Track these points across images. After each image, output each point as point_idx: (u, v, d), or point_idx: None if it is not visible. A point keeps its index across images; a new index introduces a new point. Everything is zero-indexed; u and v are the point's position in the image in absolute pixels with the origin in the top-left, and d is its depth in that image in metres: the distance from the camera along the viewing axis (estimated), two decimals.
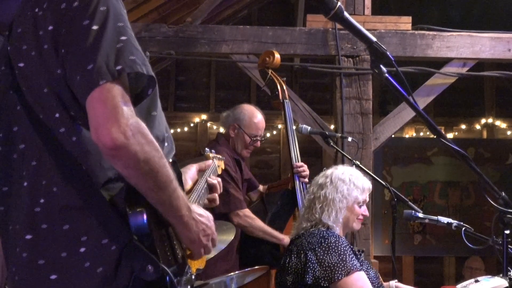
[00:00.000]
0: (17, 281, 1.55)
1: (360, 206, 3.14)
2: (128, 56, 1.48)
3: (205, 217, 1.70)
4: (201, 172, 2.24)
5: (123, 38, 1.50)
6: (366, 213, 3.21)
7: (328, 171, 3.22)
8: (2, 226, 1.64)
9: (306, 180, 4.08)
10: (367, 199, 3.21)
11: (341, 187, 3.10)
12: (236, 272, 3.21)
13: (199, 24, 5.10)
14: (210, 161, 2.32)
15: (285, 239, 3.86)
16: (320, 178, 3.21)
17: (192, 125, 7.91)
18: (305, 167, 4.11)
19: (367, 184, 3.18)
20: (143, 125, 1.46)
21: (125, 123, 1.41)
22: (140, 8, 5.33)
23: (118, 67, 1.45)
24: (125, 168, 1.44)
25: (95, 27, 1.48)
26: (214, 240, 1.74)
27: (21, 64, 1.59)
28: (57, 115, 1.53)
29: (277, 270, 3.23)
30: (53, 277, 1.49)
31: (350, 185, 3.10)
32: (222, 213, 3.83)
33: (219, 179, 2.23)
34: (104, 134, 1.40)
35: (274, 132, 7.81)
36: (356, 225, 3.20)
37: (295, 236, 3.19)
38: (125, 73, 1.47)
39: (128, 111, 1.43)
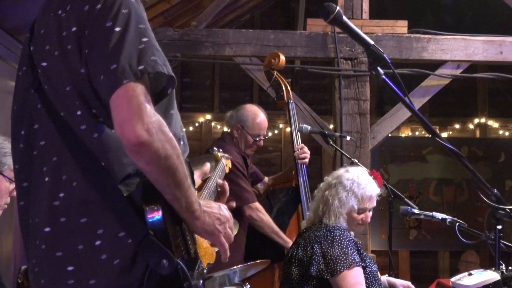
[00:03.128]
0: (36, 273, 1.56)
1: (359, 213, 3.12)
2: (150, 57, 1.48)
3: (216, 207, 1.69)
4: (204, 175, 2.22)
5: (145, 39, 1.51)
6: (367, 219, 3.17)
7: (340, 171, 3.20)
8: (23, 220, 1.64)
9: (306, 161, 4.09)
10: (369, 207, 3.15)
11: (341, 194, 3.08)
12: (239, 265, 3.20)
13: (204, 27, 5.10)
14: (208, 165, 2.31)
15: (290, 243, 3.84)
16: (330, 176, 3.21)
17: (197, 124, 7.92)
18: (305, 148, 4.12)
19: (369, 193, 3.12)
20: (164, 123, 1.47)
21: (149, 121, 1.41)
22: (147, 13, 5.30)
23: (141, 67, 1.46)
24: (147, 164, 1.44)
25: (117, 29, 1.49)
26: (231, 228, 1.73)
27: (44, 64, 1.59)
28: (78, 112, 1.53)
29: (284, 262, 3.24)
30: (70, 268, 1.49)
31: (349, 193, 3.08)
32: (236, 206, 3.82)
33: (226, 184, 2.18)
34: (129, 131, 1.40)
35: (276, 132, 7.81)
36: (356, 228, 3.19)
37: (303, 229, 3.21)
38: (147, 73, 1.47)
39: (151, 109, 1.44)
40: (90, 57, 1.50)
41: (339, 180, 3.12)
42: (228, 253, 1.71)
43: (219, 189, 2.11)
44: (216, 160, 2.66)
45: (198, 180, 2.20)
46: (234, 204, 2.00)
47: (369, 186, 3.13)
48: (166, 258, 1.44)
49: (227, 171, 2.68)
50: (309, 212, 3.33)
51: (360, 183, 3.11)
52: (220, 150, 2.76)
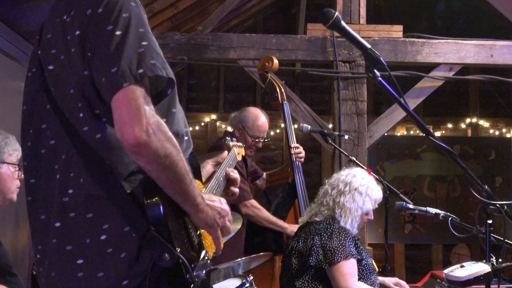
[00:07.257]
0: (47, 266, 1.55)
1: (367, 214, 3.21)
2: (149, 60, 1.47)
3: (217, 201, 1.68)
4: (218, 164, 2.23)
5: (144, 43, 1.49)
6: (371, 218, 3.27)
7: (348, 178, 3.21)
8: (31, 215, 1.64)
9: (302, 159, 4.11)
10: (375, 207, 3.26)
11: (358, 199, 3.14)
12: (243, 258, 3.20)
13: (209, 32, 5.10)
14: (226, 153, 2.31)
15: (289, 228, 3.86)
16: (340, 183, 3.21)
17: (202, 124, 7.91)
18: (301, 148, 4.13)
19: (380, 195, 3.23)
20: (163, 123, 1.45)
21: (147, 122, 1.40)
22: (155, 18, 5.34)
23: (140, 71, 1.44)
24: (148, 163, 1.44)
25: (118, 33, 1.47)
26: (230, 220, 1.72)
27: (51, 67, 1.59)
28: (81, 114, 1.52)
29: (284, 254, 3.25)
30: (80, 261, 1.49)
31: (365, 197, 3.15)
32: (231, 203, 3.82)
33: (238, 176, 2.19)
34: (128, 133, 1.39)
35: (278, 131, 7.80)
36: (359, 227, 3.24)
37: (304, 223, 3.22)
38: (146, 76, 1.45)
39: (149, 111, 1.43)
40: (92, 59, 1.49)
41: (353, 186, 3.16)
42: (222, 246, 1.71)
43: (228, 178, 2.11)
44: (228, 149, 2.65)
45: (210, 169, 2.20)
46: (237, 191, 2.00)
47: (378, 189, 3.23)
48: (167, 252, 1.44)
49: (239, 159, 2.67)
50: (308, 211, 3.33)
51: (372, 188, 3.20)
52: (234, 139, 2.75)
